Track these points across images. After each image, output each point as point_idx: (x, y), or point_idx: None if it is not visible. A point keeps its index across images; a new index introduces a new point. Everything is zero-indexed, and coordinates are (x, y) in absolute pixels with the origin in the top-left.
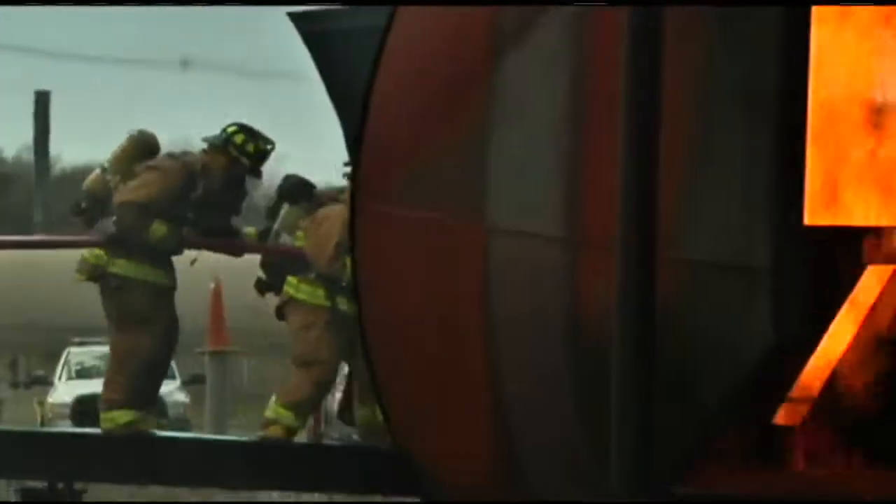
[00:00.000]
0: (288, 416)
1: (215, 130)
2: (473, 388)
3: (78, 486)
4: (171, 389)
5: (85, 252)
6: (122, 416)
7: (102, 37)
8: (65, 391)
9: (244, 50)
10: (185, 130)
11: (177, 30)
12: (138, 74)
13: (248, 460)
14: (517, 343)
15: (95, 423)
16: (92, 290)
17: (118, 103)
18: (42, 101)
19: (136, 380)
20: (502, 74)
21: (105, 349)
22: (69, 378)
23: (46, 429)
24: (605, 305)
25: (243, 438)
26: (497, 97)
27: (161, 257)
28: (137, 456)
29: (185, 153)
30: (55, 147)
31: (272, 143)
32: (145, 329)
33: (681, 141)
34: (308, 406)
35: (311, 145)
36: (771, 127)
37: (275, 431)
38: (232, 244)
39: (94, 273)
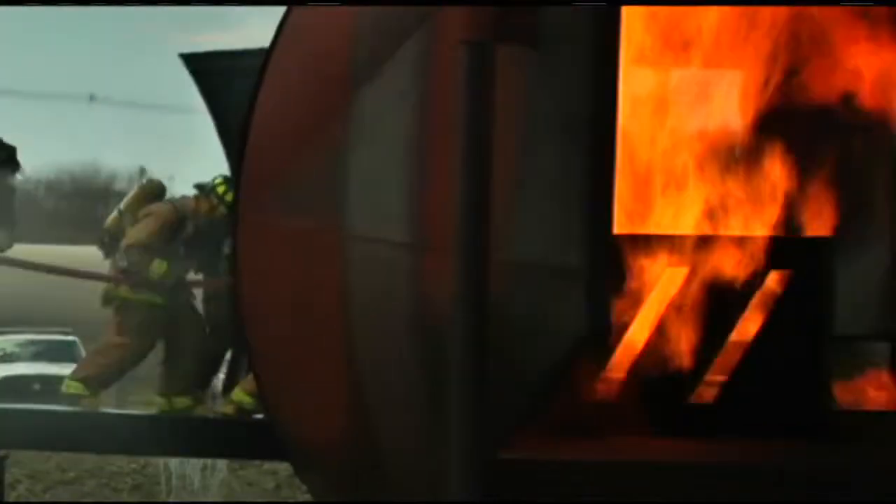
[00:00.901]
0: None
1: (122, 159)
2: (332, 365)
3: (2, 452)
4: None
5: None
6: (76, 388)
7: (11, 70)
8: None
9: (146, 85)
10: (94, 158)
11: (85, 65)
12: (48, 107)
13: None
14: (370, 328)
15: (16, 399)
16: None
17: (28, 135)
18: None
19: (111, 369)
20: (358, 104)
21: (22, 338)
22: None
23: None
24: (444, 298)
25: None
26: (354, 123)
27: (156, 284)
28: (54, 425)
29: (182, 198)
30: None
31: None
32: (136, 336)
33: (508, 161)
34: (103, 381)
35: (201, 169)
36: (584, 149)
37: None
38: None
39: (107, 297)
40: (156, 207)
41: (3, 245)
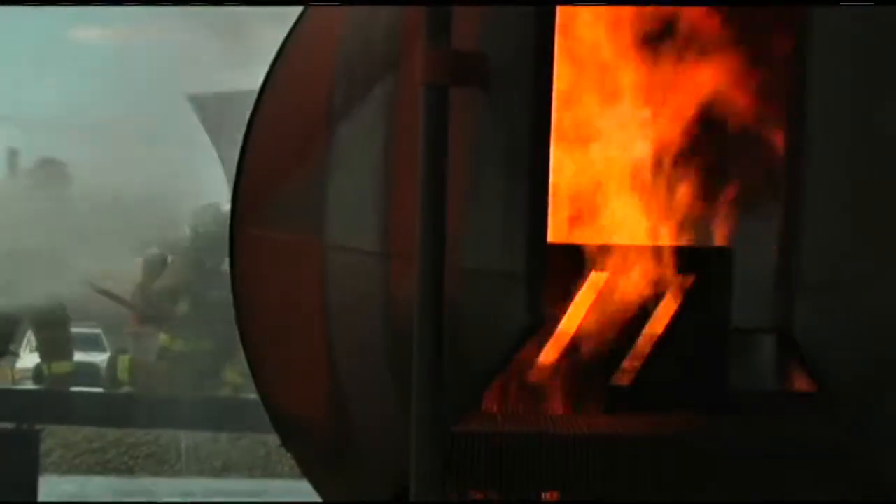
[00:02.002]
0: None
1: None
2: (314, 353)
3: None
4: (103, 359)
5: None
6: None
7: None
8: (27, 361)
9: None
10: None
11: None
12: None
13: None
14: (346, 322)
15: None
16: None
17: None
18: None
19: None
20: (336, 133)
21: None
22: (30, 352)
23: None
24: (407, 297)
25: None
26: (333, 149)
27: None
28: (83, 404)
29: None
30: None
31: None
32: None
33: (460, 184)
34: None
35: None
36: (523, 172)
37: None
38: None
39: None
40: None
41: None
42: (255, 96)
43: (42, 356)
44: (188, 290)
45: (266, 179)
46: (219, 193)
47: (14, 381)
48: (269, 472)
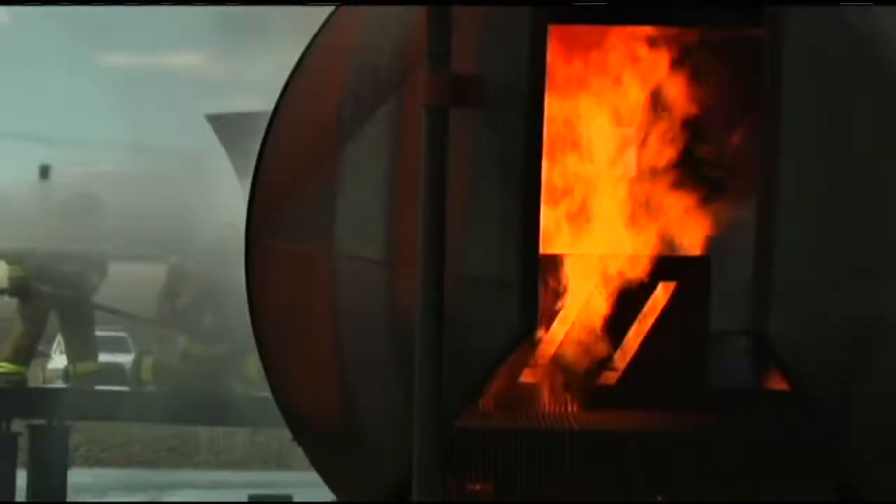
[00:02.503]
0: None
1: None
2: (324, 357)
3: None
4: (128, 360)
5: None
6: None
7: None
8: (58, 361)
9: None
10: None
11: None
12: None
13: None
14: (354, 325)
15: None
16: None
17: None
18: None
19: None
20: (344, 150)
21: None
22: (60, 353)
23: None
24: (410, 302)
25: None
26: (342, 166)
27: None
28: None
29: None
30: None
31: None
32: None
33: (459, 198)
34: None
35: None
36: (518, 189)
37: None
38: None
39: None
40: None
41: None
42: (268, 116)
43: (68, 357)
44: (209, 300)
45: (279, 193)
46: (236, 206)
47: (45, 381)
48: (282, 465)
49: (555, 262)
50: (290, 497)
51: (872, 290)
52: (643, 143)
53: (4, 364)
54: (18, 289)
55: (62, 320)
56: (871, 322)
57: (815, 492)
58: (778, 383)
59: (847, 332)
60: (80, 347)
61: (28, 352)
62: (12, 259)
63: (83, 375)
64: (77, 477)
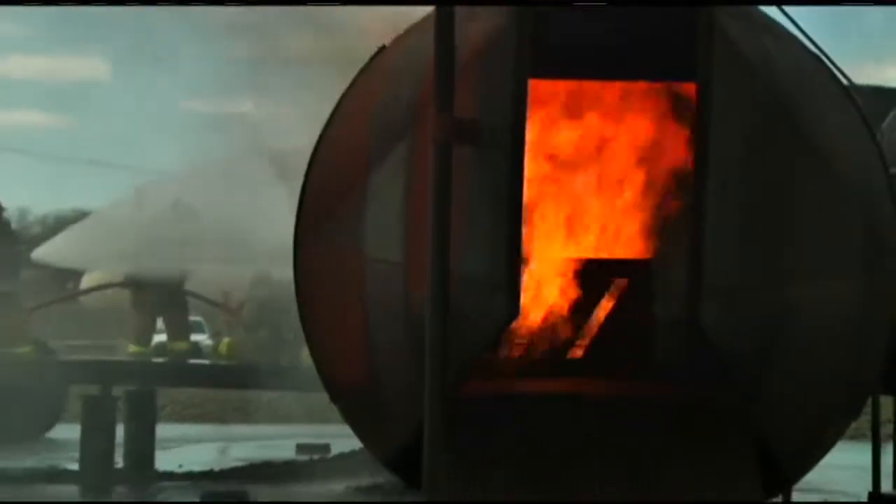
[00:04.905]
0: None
1: None
2: (356, 337)
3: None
4: (202, 338)
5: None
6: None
7: None
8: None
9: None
10: None
11: None
12: None
13: None
14: (379, 315)
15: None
16: None
17: None
18: None
19: None
20: (372, 174)
21: None
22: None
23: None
24: (422, 296)
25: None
26: (370, 186)
27: None
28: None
29: None
30: None
31: None
32: None
33: (460, 215)
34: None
35: None
36: (504, 207)
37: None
38: None
39: None
40: None
41: None
42: (310, 150)
43: (168, 336)
44: (270, 309)
45: (320, 209)
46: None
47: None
48: (324, 420)
49: (533, 262)
50: (327, 445)
51: (783, 287)
52: (608, 172)
53: (133, 346)
54: (130, 285)
55: (162, 308)
56: (780, 311)
57: (735, 445)
58: (709, 363)
59: (762, 319)
60: (176, 328)
61: (147, 336)
62: (118, 265)
63: (176, 353)
64: (163, 431)
